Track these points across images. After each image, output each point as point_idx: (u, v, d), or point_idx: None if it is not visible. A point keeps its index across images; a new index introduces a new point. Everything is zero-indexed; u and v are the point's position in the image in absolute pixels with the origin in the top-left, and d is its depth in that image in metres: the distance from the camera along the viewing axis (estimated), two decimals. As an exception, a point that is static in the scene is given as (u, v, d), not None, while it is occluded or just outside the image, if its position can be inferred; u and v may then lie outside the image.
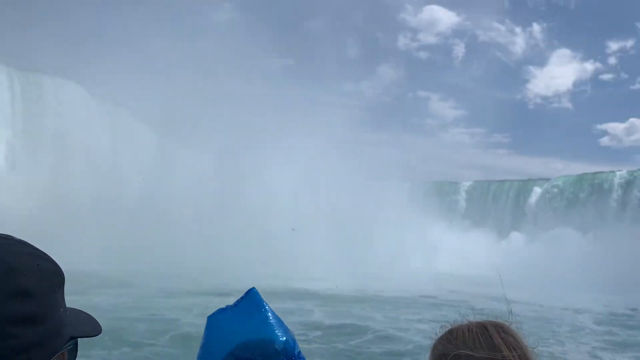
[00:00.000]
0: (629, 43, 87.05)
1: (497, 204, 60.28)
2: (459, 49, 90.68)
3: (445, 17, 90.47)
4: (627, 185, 51.61)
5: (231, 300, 1.26)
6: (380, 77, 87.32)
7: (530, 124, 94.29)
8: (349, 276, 27.79)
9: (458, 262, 41.51)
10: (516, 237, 53.06)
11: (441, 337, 1.30)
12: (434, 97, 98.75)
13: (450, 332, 1.29)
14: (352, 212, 39.45)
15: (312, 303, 20.12)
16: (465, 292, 26.71)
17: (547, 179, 59.71)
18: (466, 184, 63.67)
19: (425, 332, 14.64)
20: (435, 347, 1.29)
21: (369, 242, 37.50)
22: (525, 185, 59.93)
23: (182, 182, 35.86)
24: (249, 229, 33.11)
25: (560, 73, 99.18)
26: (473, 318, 1.30)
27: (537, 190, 58.19)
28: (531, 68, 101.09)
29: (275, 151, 40.58)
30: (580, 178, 56.46)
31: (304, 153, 42.04)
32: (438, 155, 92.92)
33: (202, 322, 1.23)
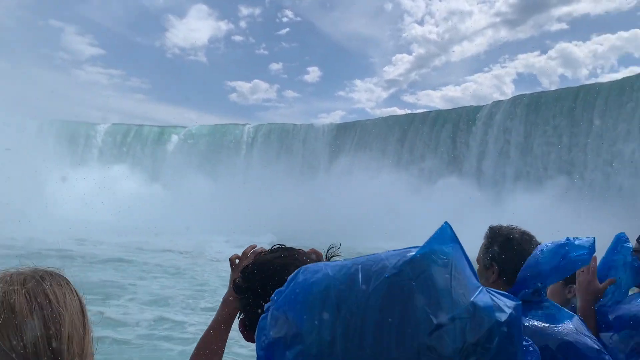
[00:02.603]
0: (257, 11, 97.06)
1: (136, 148, 58.95)
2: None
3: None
4: (254, 138, 58.30)
5: None
6: (2, -7, 72.35)
7: (168, 73, 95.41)
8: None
9: (101, 209, 38.59)
10: (154, 182, 53.07)
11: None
12: (69, 29, 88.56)
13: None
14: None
15: None
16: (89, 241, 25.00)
17: (184, 127, 61.47)
18: (104, 127, 59.79)
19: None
20: None
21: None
22: (163, 132, 60.33)
23: None
24: None
25: (198, 27, 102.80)
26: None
27: (175, 138, 59.39)
28: (171, 17, 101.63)
29: None
30: (214, 129, 60.43)
31: None
32: (71, 93, 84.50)
33: None
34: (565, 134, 41.97)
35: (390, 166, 47.82)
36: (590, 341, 1.72)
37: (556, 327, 1.75)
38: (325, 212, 37.29)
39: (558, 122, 42.50)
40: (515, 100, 46.20)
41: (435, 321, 0.89)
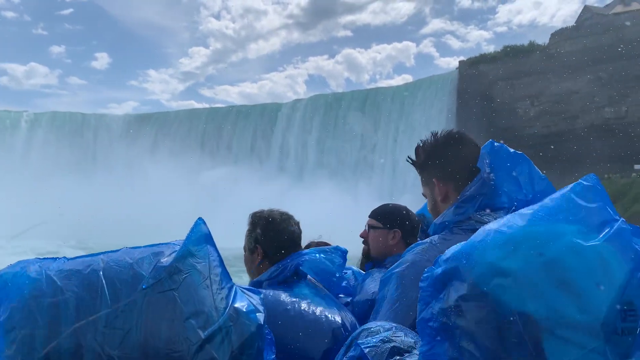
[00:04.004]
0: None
1: None
2: None
3: None
4: (33, 128, 51.26)
5: None
6: None
7: None
8: None
9: None
10: None
11: None
12: None
13: None
14: None
15: None
16: None
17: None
18: None
19: None
20: None
21: None
22: None
23: None
24: None
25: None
26: None
27: None
28: None
29: None
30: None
31: None
32: None
33: None
34: (357, 131, 46.51)
35: (194, 160, 46.92)
36: (333, 316, 1.74)
37: (302, 305, 1.72)
38: (128, 208, 34.68)
39: (351, 120, 46.98)
40: (314, 99, 49.93)
41: (202, 335, 0.83)
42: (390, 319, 1.32)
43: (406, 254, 1.49)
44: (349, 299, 2.15)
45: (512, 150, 1.47)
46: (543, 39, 45.94)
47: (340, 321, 1.74)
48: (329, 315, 1.74)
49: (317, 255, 1.96)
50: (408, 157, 1.70)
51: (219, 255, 0.97)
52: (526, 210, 0.96)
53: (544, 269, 0.86)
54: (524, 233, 0.91)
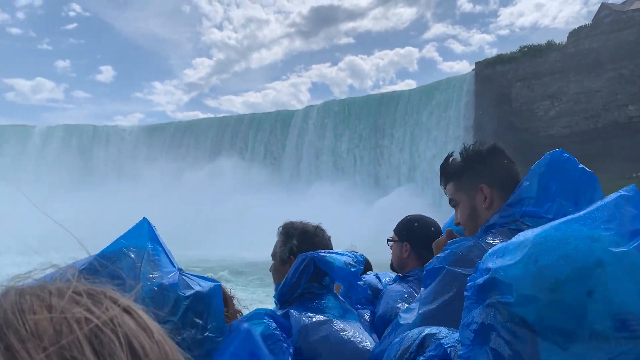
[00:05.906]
0: (37, 2, 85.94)
1: None
2: None
3: None
4: (46, 141, 51.28)
5: None
6: None
7: None
8: None
9: None
10: None
11: None
12: None
13: None
14: None
15: None
16: None
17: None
18: None
19: None
20: None
21: None
22: None
23: None
24: None
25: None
26: None
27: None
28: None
29: None
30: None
31: None
32: None
33: None
34: (372, 136, 45.82)
35: (209, 168, 46.55)
36: (360, 340, 1.69)
37: (321, 322, 1.66)
38: (153, 219, 34.38)
39: (365, 125, 46.39)
40: (326, 105, 49.44)
41: None
42: (431, 314, 1.37)
43: (449, 248, 1.47)
44: (365, 311, 2.12)
45: (581, 165, 1.43)
46: (558, 40, 44.78)
47: (370, 346, 1.71)
48: (364, 342, 1.70)
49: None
50: (446, 160, 1.71)
51: (162, 247, 1.15)
52: (563, 219, 0.95)
53: (535, 275, 0.88)
54: (535, 240, 0.92)
